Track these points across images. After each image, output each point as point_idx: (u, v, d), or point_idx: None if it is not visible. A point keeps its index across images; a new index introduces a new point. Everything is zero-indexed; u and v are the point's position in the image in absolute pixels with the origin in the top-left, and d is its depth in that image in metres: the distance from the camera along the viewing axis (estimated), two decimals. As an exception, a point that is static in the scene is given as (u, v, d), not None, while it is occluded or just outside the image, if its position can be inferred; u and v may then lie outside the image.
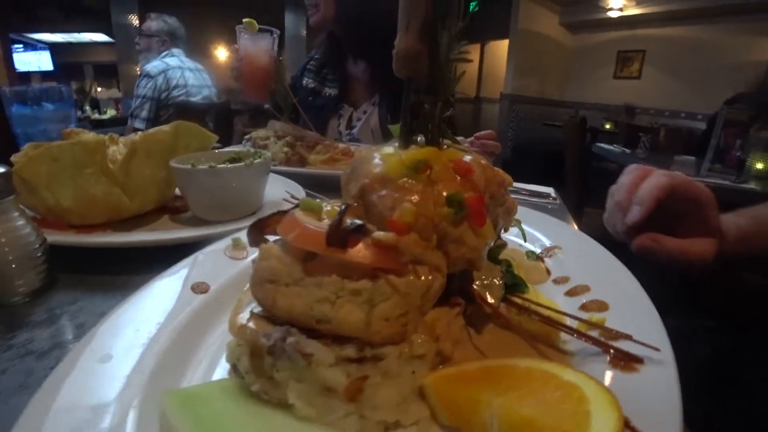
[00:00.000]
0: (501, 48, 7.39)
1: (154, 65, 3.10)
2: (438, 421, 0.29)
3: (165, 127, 0.75)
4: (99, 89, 8.79)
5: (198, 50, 7.02)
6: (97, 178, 0.68)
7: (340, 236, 0.28)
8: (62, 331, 0.49)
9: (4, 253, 0.54)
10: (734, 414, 0.59)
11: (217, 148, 0.90)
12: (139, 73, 3.57)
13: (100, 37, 9.26)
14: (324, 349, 0.27)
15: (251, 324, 0.30)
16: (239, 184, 0.71)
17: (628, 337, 0.35)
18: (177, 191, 0.82)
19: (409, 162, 0.32)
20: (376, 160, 0.34)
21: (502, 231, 0.45)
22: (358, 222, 0.29)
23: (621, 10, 6.36)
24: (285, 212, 0.36)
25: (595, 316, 0.39)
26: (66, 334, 0.49)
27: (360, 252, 0.28)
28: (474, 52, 7.52)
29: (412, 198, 0.30)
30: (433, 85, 0.36)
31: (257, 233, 0.38)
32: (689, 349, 0.78)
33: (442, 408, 0.29)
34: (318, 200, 0.38)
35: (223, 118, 3.70)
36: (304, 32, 6.74)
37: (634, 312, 0.40)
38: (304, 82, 1.70)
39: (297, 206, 0.35)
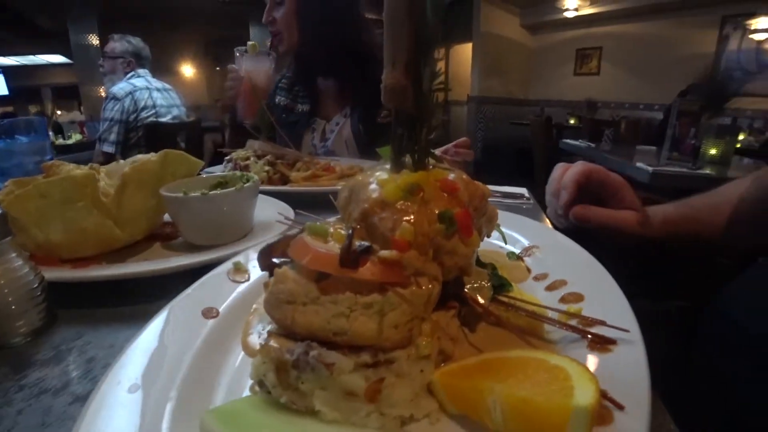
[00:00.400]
0: (465, 51, 7.58)
1: (120, 87, 3.04)
2: (446, 411, 0.33)
3: (152, 157, 0.77)
4: (59, 112, 8.48)
5: (164, 69, 6.92)
6: (88, 211, 0.69)
7: (351, 258, 0.32)
8: (73, 367, 0.50)
9: (3, 295, 0.55)
10: (703, 383, 0.65)
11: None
12: (104, 95, 3.49)
13: (58, 58, 8.97)
14: (343, 358, 0.31)
15: (273, 342, 0.34)
16: (230, 208, 0.73)
17: (602, 323, 0.40)
18: (165, 218, 0.83)
19: (403, 186, 0.36)
20: (373, 186, 0.38)
21: (485, 237, 0.50)
22: (366, 244, 0.33)
23: (576, 10, 6.67)
24: (291, 237, 0.39)
25: (572, 307, 0.44)
26: (77, 369, 0.50)
27: (369, 270, 0.32)
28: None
29: (410, 218, 0.34)
30: (418, 114, 0.40)
31: (266, 257, 0.41)
32: (663, 328, 0.85)
33: (449, 400, 0.33)
34: (318, 222, 0.41)
35: (195, 137, 3.66)
36: (268, 43, 6.73)
37: (606, 300, 0.45)
38: (277, 100, 1.73)
39: (302, 230, 0.39)
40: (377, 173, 0.40)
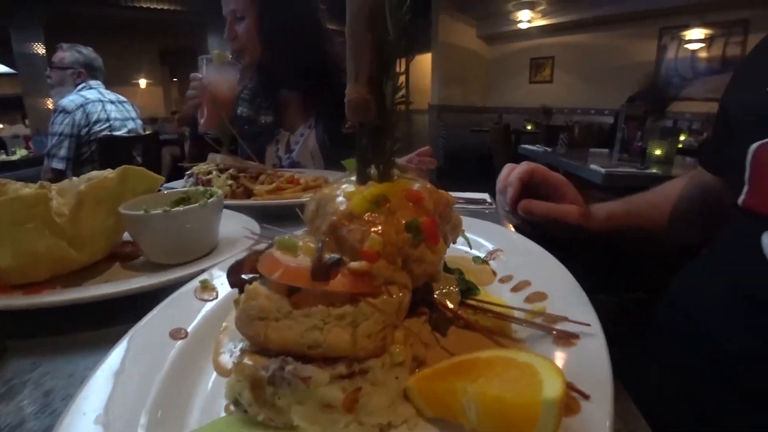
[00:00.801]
0: (425, 61, 7.75)
1: (70, 99, 2.88)
2: (423, 415, 0.34)
3: (110, 174, 0.74)
4: (0, 126, 7.91)
5: (118, 80, 6.63)
6: (40, 232, 0.65)
7: (322, 270, 0.32)
8: (28, 402, 0.46)
9: (-55, 328, 0.51)
10: (662, 371, 0.70)
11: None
12: (51, 107, 3.30)
13: (-1, 68, 8.39)
14: (319, 371, 0.31)
15: (247, 360, 0.33)
16: (194, 225, 0.72)
17: (565, 319, 0.42)
18: (125, 236, 0.80)
19: (370, 198, 0.37)
20: (340, 198, 0.38)
21: (451, 243, 0.51)
22: (336, 256, 0.33)
23: (529, 21, 7.01)
24: (259, 252, 0.39)
25: (537, 306, 0.46)
26: (33, 403, 0.46)
27: (340, 282, 0.32)
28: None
29: (377, 229, 0.35)
30: (381, 127, 0.41)
31: (236, 274, 0.41)
32: (623, 320, 0.90)
33: (425, 404, 0.34)
34: (285, 236, 0.41)
35: (152, 151, 3.53)
36: (229, 55, 6.61)
37: (567, 297, 0.48)
38: (238, 111, 1.70)
39: (271, 245, 0.39)
40: (344, 186, 0.41)
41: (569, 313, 0.42)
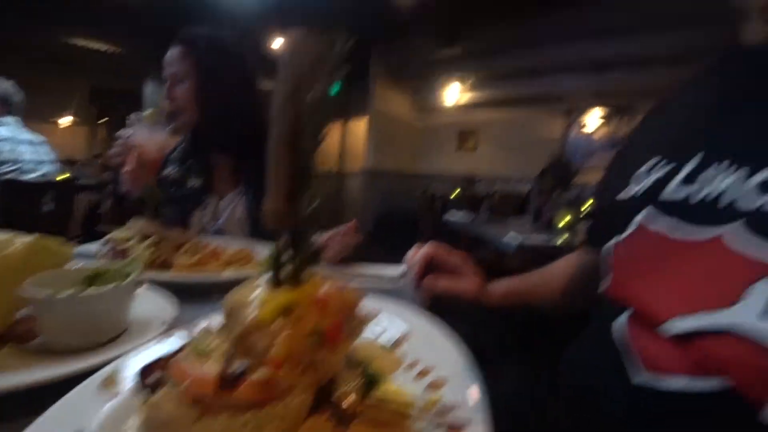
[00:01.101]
0: (360, 125, 8.17)
1: (-24, 136, 2.64)
2: None
3: (18, 246, 0.70)
4: None
5: (39, 117, 6.12)
6: None
7: (229, 380, 0.35)
8: None
9: None
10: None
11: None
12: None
13: None
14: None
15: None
16: (106, 308, 0.69)
17: (456, 408, 0.48)
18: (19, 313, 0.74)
19: (278, 307, 0.41)
20: (251, 308, 0.42)
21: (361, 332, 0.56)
22: (243, 365, 0.37)
23: (457, 93, 7.86)
24: (171, 355, 0.41)
25: (433, 396, 0.52)
26: None
27: (245, 390, 0.36)
28: (336, 128, 8.25)
29: (283, 337, 0.39)
30: (296, 236, 0.47)
31: (146, 377, 0.42)
32: (530, 387, 0.97)
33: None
34: (198, 338, 0.44)
35: (66, 198, 3.26)
36: (162, 112, 6.50)
37: (461, 381, 0.54)
38: (166, 172, 1.66)
39: (183, 348, 0.41)
40: (256, 291, 0.45)
41: (462, 399, 0.49)
